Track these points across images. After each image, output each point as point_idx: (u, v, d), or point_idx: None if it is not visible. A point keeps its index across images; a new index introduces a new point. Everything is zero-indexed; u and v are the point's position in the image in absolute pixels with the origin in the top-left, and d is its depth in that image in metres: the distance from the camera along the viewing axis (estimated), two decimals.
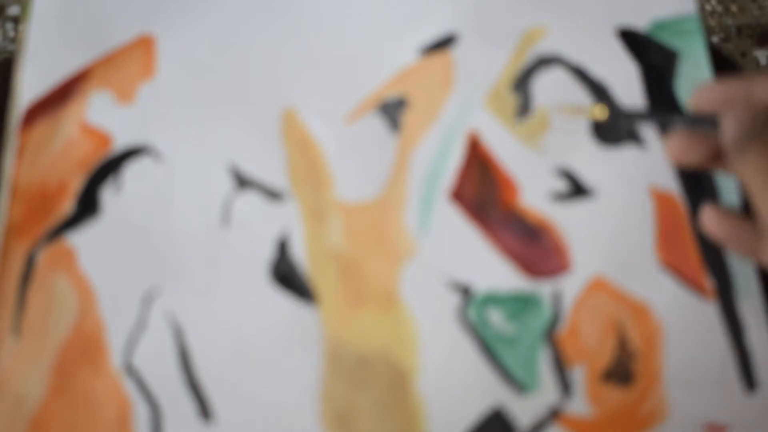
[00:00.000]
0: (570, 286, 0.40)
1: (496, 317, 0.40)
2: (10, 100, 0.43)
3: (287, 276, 0.40)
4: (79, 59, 0.44)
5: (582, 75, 0.44)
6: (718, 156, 0.32)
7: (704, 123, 0.32)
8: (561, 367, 0.39)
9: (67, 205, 0.41)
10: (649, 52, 0.44)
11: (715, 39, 0.97)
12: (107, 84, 0.44)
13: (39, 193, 0.41)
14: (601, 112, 0.34)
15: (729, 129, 0.30)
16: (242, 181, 0.42)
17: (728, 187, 0.41)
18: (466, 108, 0.43)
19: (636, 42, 0.44)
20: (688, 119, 0.32)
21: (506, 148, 0.42)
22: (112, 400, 0.38)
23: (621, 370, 0.39)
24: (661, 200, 0.41)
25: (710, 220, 0.32)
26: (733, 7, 0.98)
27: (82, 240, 0.41)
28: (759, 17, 0.97)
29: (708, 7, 0.98)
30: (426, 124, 0.43)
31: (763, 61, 0.96)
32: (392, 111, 0.43)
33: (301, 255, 0.41)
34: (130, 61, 0.44)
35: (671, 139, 0.33)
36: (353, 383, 0.39)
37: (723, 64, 0.45)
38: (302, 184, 0.42)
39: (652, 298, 0.40)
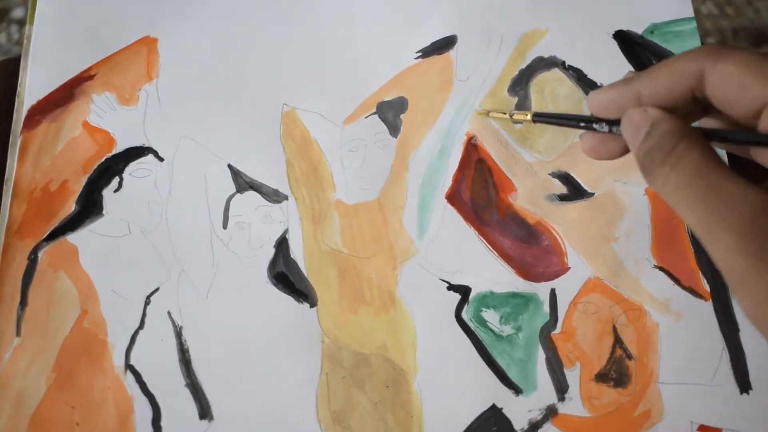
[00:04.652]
0: (566, 287, 0.40)
1: (492, 318, 0.40)
2: (14, 101, 0.43)
3: (286, 276, 0.41)
4: (81, 61, 0.44)
5: (580, 77, 0.44)
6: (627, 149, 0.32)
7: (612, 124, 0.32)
8: (557, 367, 0.39)
9: (69, 205, 0.42)
10: (646, 54, 0.44)
11: (711, 41, 0.98)
12: (109, 85, 0.44)
13: (41, 192, 0.42)
14: (523, 116, 0.38)
15: (629, 143, 0.30)
16: (242, 181, 0.42)
17: None
18: (464, 109, 0.43)
19: (633, 44, 0.45)
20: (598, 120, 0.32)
21: (504, 150, 0.43)
22: (113, 398, 0.38)
23: (616, 371, 0.39)
24: (657, 202, 0.42)
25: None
26: (729, 10, 0.98)
27: (84, 239, 0.41)
28: (754, 20, 0.98)
29: (704, 10, 0.99)
30: (425, 125, 0.43)
31: None
32: (392, 112, 0.44)
33: (300, 255, 0.41)
34: (132, 62, 0.44)
35: (583, 138, 0.33)
36: (351, 382, 0.39)
37: None
38: (302, 185, 0.42)
39: (648, 299, 0.40)
